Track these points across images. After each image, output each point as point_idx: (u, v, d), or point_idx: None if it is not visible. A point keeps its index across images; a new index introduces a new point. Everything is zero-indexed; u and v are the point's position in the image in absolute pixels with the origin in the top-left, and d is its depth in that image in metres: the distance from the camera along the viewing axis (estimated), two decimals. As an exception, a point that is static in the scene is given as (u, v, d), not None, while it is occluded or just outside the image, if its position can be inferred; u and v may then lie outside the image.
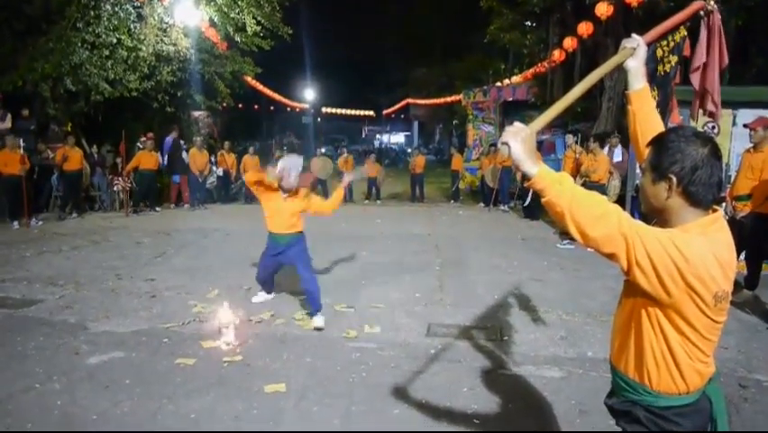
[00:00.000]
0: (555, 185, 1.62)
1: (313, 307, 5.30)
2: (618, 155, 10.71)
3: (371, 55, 44.62)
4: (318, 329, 5.12)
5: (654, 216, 1.77)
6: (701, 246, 1.56)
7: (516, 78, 19.93)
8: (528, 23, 18.82)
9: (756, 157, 5.81)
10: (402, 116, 51.91)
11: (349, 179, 6.28)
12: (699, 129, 1.98)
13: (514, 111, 20.17)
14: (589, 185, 9.14)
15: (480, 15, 19.83)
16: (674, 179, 1.65)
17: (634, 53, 2.12)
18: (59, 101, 13.24)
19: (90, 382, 4.04)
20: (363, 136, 58.46)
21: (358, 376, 4.18)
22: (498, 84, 20.12)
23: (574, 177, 9.87)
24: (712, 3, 2.73)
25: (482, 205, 14.66)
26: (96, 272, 7.12)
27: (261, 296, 5.99)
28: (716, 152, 1.67)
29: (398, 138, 58.58)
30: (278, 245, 5.43)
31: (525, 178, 1.66)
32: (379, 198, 16.55)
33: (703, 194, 1.65)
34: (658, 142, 1.73)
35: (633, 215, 8.87)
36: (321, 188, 15.88)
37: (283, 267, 5.72)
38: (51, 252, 8.37)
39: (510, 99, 19.72)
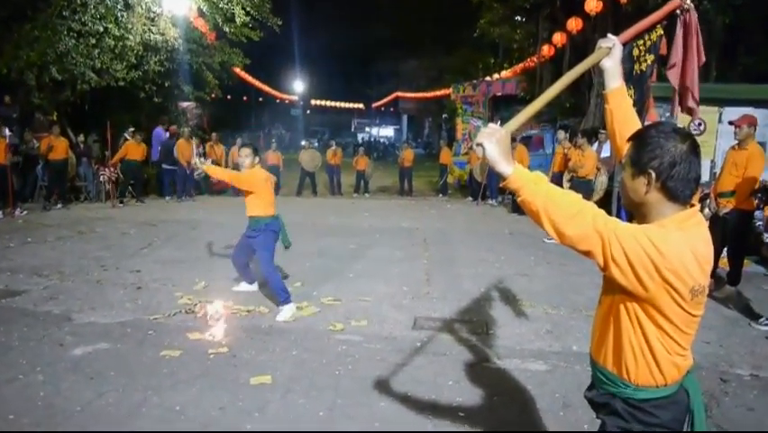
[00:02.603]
0: (530, 185, 1.64)
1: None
2: (607, 151, 10.77)
3: (361, 48, 44.49)
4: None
5: (634, 210, 1.80)
6: (678, 241, 1.58)
7: (505, 73, 20.02)
8: (518, 17, 18.88)
9: (740, 154, 5.86)
10: (391, 109, 51.93)
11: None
12: (686, 126, 2.01)
13: (503, 105, 20.26)
14: (577, 180, 9.21)
15: (471, 9, 19.85)
16: (653, 174, 1.67)
17: (609, 53, 2.15)
18: (44, 90, 13.08)
19: (75, 374, 4.02)
20: (352, 129, 58.36)
21: (344, 369, 4.20)
22: (488, 78, 20.17)
23: (563, 173, 9.93)
24: (688, 1, 2.76)
25: (470, 199, 14.70)
26: (82, 263, 7.08)
27: (243, 286, 6.02)
28: (694, 149, 1.69)
29: (388, 131, 58.55)
30: (249, 227, 5.61)
31: (501, 178, 1.68)
32: (367, 191, 16.57)
33: (681, 189, 1.67)
34: (638, 138, 1.76)
35: (619, 210, 8.98)
36: (309, 180, 15.86)
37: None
38: (36, 242, 8.30)
39: (499, 94, 19.79)
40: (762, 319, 5.28)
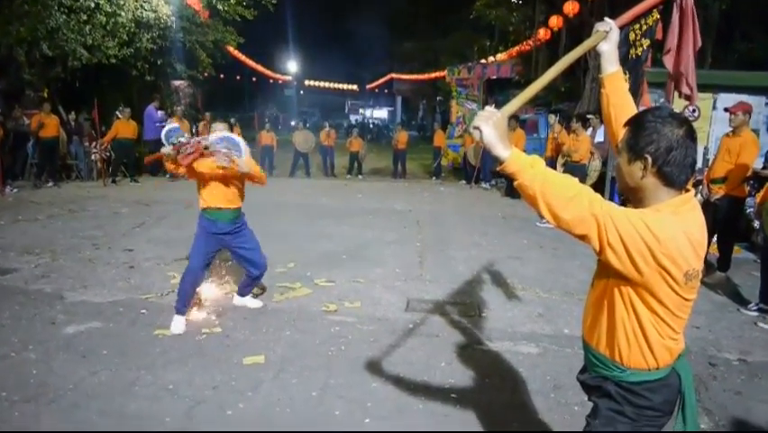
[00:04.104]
0: (527, 168, 1.64)
1: (251, 287, 4.99)
2: (600, 136, 10.79)
3: (356, 28, 44.14)
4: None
5: (629, 195, 1.80)
6: (673, 226, 1.59)
7: (500, 56, 19.90)
8: (515, 0, 18.73)
9: (734, 141, 5.88)
10: (386, 91, 51.67)
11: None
12: (679, 111, 2.01)
13: (498, 88, 20.16)
14: (570, 165, 9.22)
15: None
16: (649, 159, 1.67)
17: (606, 37, 2.13)
18: (34, 66, 12.91)
19: (67, 352, 4.02)
20: (346, 111, 58.03)
21: (337, 350, 4.22)
22: (483, 61, 20.05)
23: (556, 157, 9.95)
24: None
25: (464, 182, 14.69)
26: (73, 242, 7.04)
27: (179, 323, 4.48)
28: (691, 134, 1.69)
29: (382, 113, 58.26)
30: (221, 224, 4.56)
31: (498, 162, 1.67)
32: (360, 173, 16.52)
33: (677, 174, 1.68)
34: (635, 123, 1.76)
35: (612, 195, 9.00)
36: (303, 162, 15.79)
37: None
38: (27, 220, 8.24)
39: (494, 77, 19.69)
40: (750, 305, 5.33)
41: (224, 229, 4.56)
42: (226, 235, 4.60)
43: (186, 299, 4.55)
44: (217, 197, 4.49)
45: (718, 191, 5.99)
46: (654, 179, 1.69)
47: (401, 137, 16.28)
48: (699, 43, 2.95)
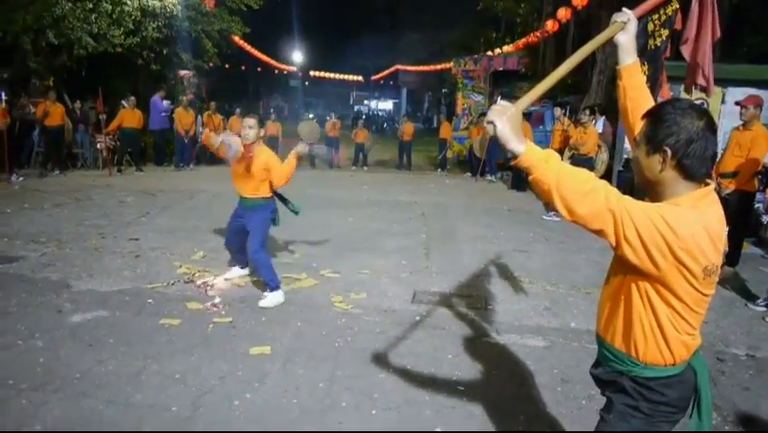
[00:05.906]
0: (542, 163, 1.60)
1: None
2: (599, 127, 10.76)
3: (362, 20, 43.92)
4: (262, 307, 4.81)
5: (648, 188, 1.76)
6: (692, 220, 1.56)
7: (507, 48, 19.77)
8: (522, -9, 18.60)
9: (745, 135, 5.83)
10: (391, 83, 51.48)
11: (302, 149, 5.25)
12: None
13: (504, 81, 20.06)
14: (578, 158, 9.17)
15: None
16: (669, 152, 1.64)
17: (624, 27, 2.09)
18: (40, 54, 12.91)
19: (73, 341, 4.02)
20: (351, 102, 57.87)
21: (343, 341, 4.21)
22: (489, 53, 19.93)
23: (563, 150, 9.90)
24: None
25: (469, 174, 14.66)
26: (79, 231, 7.04)
27: (235, 271, 5.47)
28: (711, 126, 1.66)
29: (387, 105, 58.11)
30: (242, 209, 5.09)
31: (512, 156, 1.64)
32: (366, 164, 16.48)
33: (697, 167, 1.64)
34: (654, 115, 1.72)
35: (617, 188, 8.97)
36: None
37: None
38: (33, 209, 8.25)
39: (501, 69, 19.60)
40: (759, 300, 5.30)
41: (241, 213, 5.11)
42: (241, 219, 5.10)
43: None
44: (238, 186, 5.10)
45: (728, 186, 5.94)
46: (674, 172, 1.65)
47: (407, 129, 16.24)
48: (718, 34, 2.91)
